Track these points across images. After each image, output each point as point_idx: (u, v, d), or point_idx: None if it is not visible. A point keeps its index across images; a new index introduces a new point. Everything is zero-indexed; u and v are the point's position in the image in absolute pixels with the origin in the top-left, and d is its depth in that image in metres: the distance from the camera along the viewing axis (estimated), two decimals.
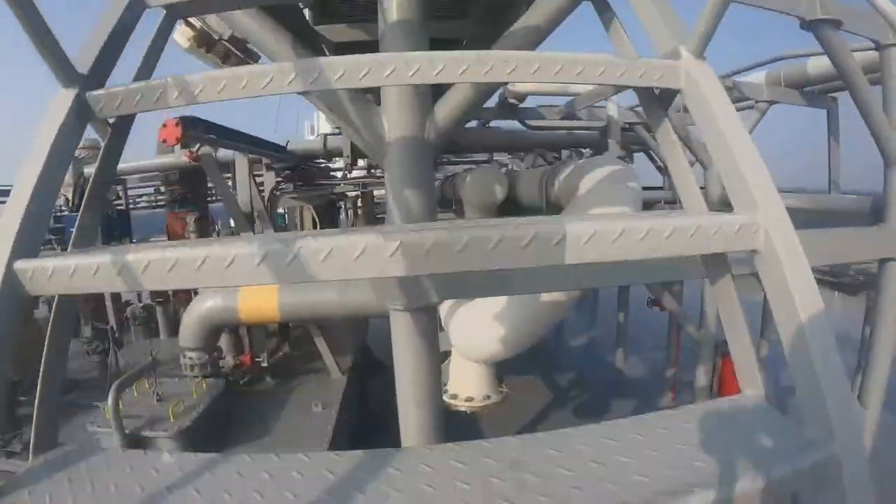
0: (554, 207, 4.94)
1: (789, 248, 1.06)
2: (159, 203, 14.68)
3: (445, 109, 2.42)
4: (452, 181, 8.03)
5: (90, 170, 9.66)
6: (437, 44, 3.78)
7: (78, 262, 0.99)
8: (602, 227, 0.96)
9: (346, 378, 7.41)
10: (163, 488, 1.04)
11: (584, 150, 9.01)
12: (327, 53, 4.75)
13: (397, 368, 2.77)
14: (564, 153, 9.71)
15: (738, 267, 1.23)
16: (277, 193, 8.43)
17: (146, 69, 1.62)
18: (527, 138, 8.26)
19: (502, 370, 5.45)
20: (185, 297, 10.33)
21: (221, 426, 6.29)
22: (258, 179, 8.57)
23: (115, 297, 10.87)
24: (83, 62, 1.30)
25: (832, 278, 5.81)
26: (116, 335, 8.78)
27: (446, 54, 1.12)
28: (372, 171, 11.26)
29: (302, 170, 8.93)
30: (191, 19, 3.38)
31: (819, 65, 5.26)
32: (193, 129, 4.67)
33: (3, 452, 7.01)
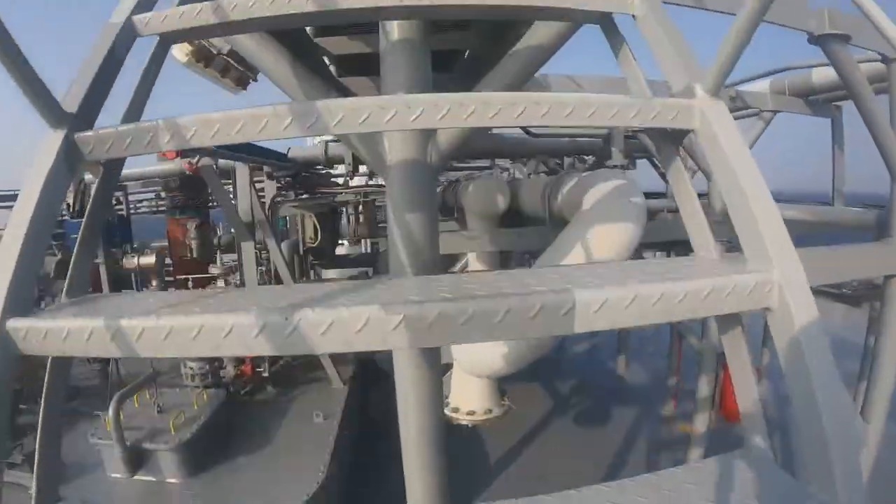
0: (557, 219, 4.88)
1: (803, 306, 1.01)
2: (160, 208, 14.67)
3: (448, 131, 2.37)
4: (454, 188, 7.98)
5: (90, 177, 9.66)
6: (438, 56, 3.75)
7: (71, 326, 0.96)
8: (613, 294, 0.91)
9: (347, 387, 7.36)
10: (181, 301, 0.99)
11: (586, 157, 8.95)
12: (328, 64, 4.72)
13: (399, 398, 2.72)
14: (567, 159, 9.66)
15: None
16: (279, 202, 8.39)
17: (140, 97, 1.57)
18: (529, 145, 8.21)
19: (504, 381, 5.40)
20: None
21: (222, 437, 6.25)
22: (258, 186, 8.54)
23: None
24: (71, 100, 1.25)
25: (835, 290, 5.75)
26: None
27: (451, 97, 1.06)
28: (373, 178, 11.20)
29: (303, 177, 8.88)
30: None
31: (824, 74, 5.21)
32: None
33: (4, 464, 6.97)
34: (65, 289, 1.30)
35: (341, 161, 8.02)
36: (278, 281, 7.75)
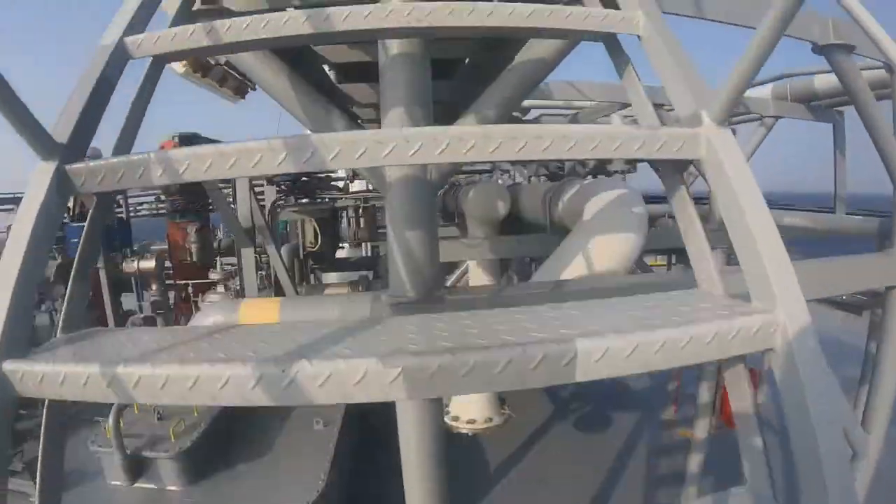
0: (558, 227, 4.85)
1: (807, 348, 1.00)
2: (160, 211, 14.66)
3: None
4: (454, 192, 7.95)
5: None
6: (437, 65, 3.71)
7: (67, 371, 0.94)
8: (614, 343, 0.88)
9: None
10: (179, 342, 1.00)
11: (587, 161, 8.90)
12: (327, 71, 4.69)
13: (399, 408, 2.69)
14: (567, 163, 9.61)
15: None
16: (279, 207, 8.36)
17: (135, 119, 1.54)
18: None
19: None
20: (186, 308, 10.28)
21: (222, 445, 6.22)
22: (258, 190, 8.50)
23: (117, 307, 10.84)
24: (62, 130, 1.23)
25: (835, 297, 5.70)
26: None
27: (450, 131, 1.03)
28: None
29: (303, 182, 8.85)
30: None
31: (826, 80, 5.17)
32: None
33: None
34: (60, 323, 1.28)
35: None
36: (278, 286, 7.72)
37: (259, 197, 9.25)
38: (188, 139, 4.53)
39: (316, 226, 8.57)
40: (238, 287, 7.79)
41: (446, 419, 5.05)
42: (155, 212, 15.42)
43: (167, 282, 10.76)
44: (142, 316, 11.21)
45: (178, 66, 3.24)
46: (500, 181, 18.03)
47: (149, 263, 9.87)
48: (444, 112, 4.98)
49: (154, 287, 10.15)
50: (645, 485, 7.67)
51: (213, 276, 8.70)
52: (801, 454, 0.99)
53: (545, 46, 2.40)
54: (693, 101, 1.20)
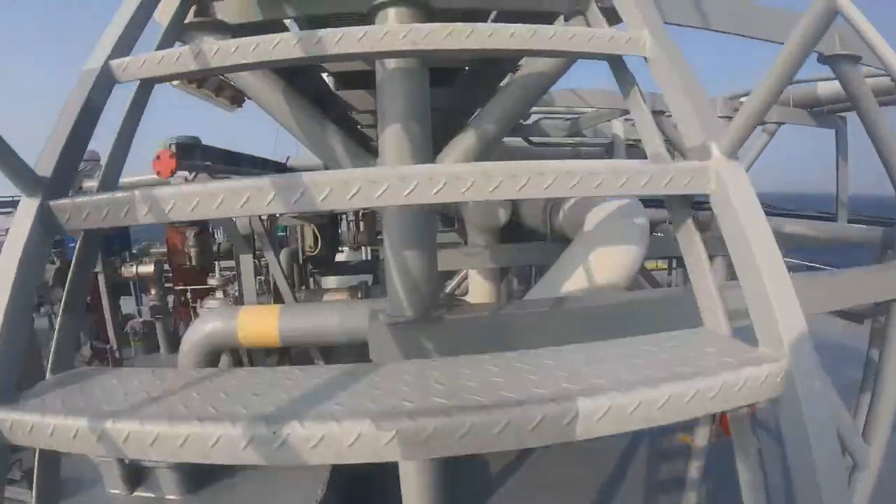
0: (558, 235, 4.80)
1: (816, 396, 0.95)
2: None
3: (449, 163, 2.28)
4: None
5: (90, 183, 9.59)
6: (437, 72, 3.66)
7: (56, 423, 0.93)
8: (618, 401, 0.84)
9: None
10: (168, 392, 1.01)
11: None
12: (328, 81, 4.64)
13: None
14: None
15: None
16: (278, 214, 8.32)
17: (122, 144, 1.49)
18: (530, 154, 8.13)
19: None
20: (185, 312, 10.24)
21: None
22: None
23: (116, 311, 10.80)
24: (45, 164, 1.18)
25: None
26: (116, 354, 8.69)
27: (448, 170, 0.98)
28: None
29: None
30: None
31: (829, 87, 5.12)
32: (189, 158, 4.55)
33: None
34: (50, 364, 1.23)
35: None
36: (277, 292, 7.68)
37: None
38: (186, 148, 4.48)
39: (315, 230, 8.53)
40: (237, 293, 7.76)
41: None
42: None
43: (166, 284, 10.73)
44: (141, 320, 11.17)
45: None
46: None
47: (147, 268, 9.83)
48: (444, 119, 4.93)
49: (153, 291, 10.11)
50: (645, 490, 7.62)
51: (212, 281, 8.66)
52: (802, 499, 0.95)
53: (547, 60, 2.34)
54: (702, 132, 1.15)
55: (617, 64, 1.59)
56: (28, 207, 1.11)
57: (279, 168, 7.71)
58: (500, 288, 7.02)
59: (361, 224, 10.69)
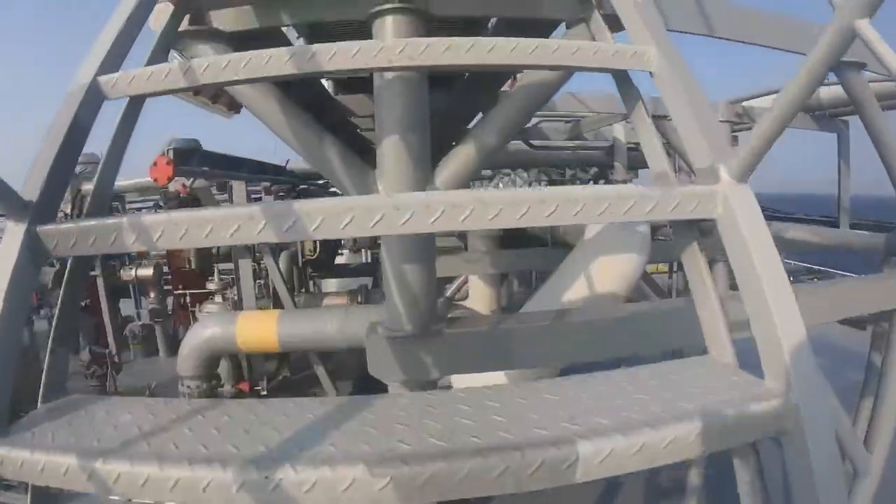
0: (558, 241, 4.77)
1: (822, 434, 0.92)
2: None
3: (448, 174, 2.26)
4: None
5: (89, 186, 9.58)
6: (436, 77, 3.62)
7: (47, 460, 0.92)
8: (620, 443, 0.81)
9: None
10: (159, 427, 1.00)
11: (588, 168, 8.84)
12: (327, 86, 4.60)
13: None
14: (569, 171, 9.54)
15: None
16: None
17: (112, 161, 1.46)
18: (531, 156, 8.09)
19: None
20: (184, 316, 10.21)
21: None
22: (254, 197, 8.37)
23: (115, 313, 10.77)
24: (32, 187, 1.14)
25: None
26: (115, 359, 8.66)
27: (445, 198, 0.95)
28: None
29: (302, 190, 8.76)
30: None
31: (831, 91, 5.07)
32: (186, 163, 4.51)
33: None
34: (41, 392, 1.20)
35: None
36: (276, 296, 7.65)
37: None
38: (183, 153, 4.44)
39: None
40: (236, 297, 7.73)
41: None
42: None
43: (166, 287, 10.70)
44: (140, 323, 11.15)
45: None
46: (500, 185, 17.96)
47: (147, 271, 9.80)
48: (443, 123, 4.89)
49: (153, 294, 10.08)
50: (644, 494, 7.58)
51: (211, 286, 8.62)
52: None
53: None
54: (710, 153, 1.11)
55: (621, 77, 1.55)
56: (14, 234, 1.08)
57: (279, 171, 7.68)
58: (501, 293, 6.98)
59: None
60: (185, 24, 2.23)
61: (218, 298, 8.15)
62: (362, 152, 6.36)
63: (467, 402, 0.98)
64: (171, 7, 1.82)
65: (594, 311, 2.63)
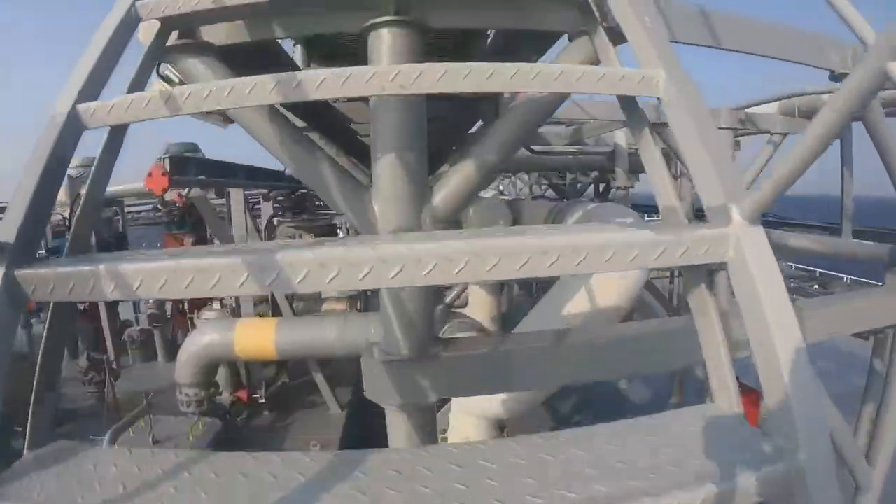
0: None
1: (829, 494, 0.86)
2: (159, 219, 14.55)
3: (445, 194, 2.19)
4: None
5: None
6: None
7: None
8: None
9: (345, 413, 7.19)
10: (145, 484, 0.98)
11: (589, 172, 8.77)
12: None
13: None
14: (569, 175, 9.46)
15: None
16: (276, 223, 8.22)
17: (94, 195, 1.40)
18: (532, 160, 8.02)
19: None
20: (182, 322, 10.16)
21: None
22: (253, 200, 8.32)
23: (114, 317, 10.72)
24: (9, 226, 1.09)
25: None
26: (113, 365, 8.60)
27: (439, 249, 0.88)
28: None
29: (301, 195, 8.69)
30: (169, 75, 3.15)
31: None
32: (182, 172, 4.46)
33: None
34: (27, 439, 1.17)
35: None
36: (275, 302, 7.59)
37: (255, 209, 9.11)
38: (179, 162, 4.38)
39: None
40: (234, 304, 7.67)
41: None
42: (154, 220, 15.31)
43: None
44: (139, 328, 11.10)
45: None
46: (500, 186, 17.87)
47: None
48: (443, 130, 4.83)
49: (151, 300, 10.02)
50: None
51: None
52: None
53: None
54: (722, 191, 1.04)
55: (628, 103, 1.49)
56: None
57: (277, 177, 7.61)
58: (501, 300, 6.92)
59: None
60: (173, 39, 2.17)
61: (216, 305, 8.09)
62: (362, 156, 6.29)
63: (461, 462, 0.92)
64: (157, 24, 1.76)
65: (594, 332, 2.57)
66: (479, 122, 4.84)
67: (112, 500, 0.94)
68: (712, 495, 0.82)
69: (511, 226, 6.12)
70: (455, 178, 2.18)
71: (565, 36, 2.42)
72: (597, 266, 0.93)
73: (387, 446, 2.62)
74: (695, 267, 1.12)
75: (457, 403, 4.73)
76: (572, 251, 0.91)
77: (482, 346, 2.30)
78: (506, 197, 13.85)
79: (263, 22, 2.33)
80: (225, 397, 7.25)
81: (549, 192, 13.79)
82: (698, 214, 1.18)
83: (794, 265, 14.45)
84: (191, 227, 9.38)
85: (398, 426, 2.43)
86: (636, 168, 7.39)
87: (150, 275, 0.94)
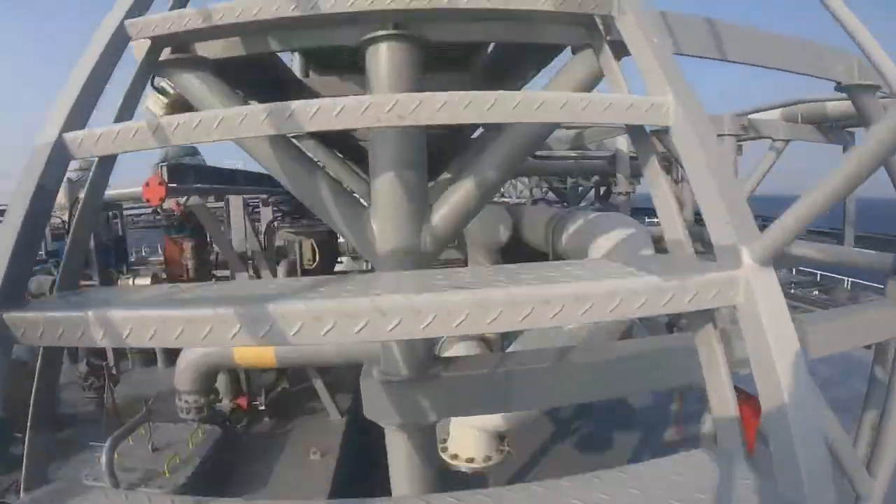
0: (561, 258, 4.67)
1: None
2: (158, 222, 14.51)
3: (445, 213, 2.15)
4: None
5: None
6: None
7: None
8: None
9: (345, 420, 7.15)
10: None
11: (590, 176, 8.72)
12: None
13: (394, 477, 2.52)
14: (570, 180, 9.42)
15: None
16: (275, 227, 8.17)
17: (82, 230, 1.37)
18: (532, 165, 7.98)
19: None
20: None
21: (218, 480, 6.05)
22: (252, 203, 8.28)
23: None
24: None
25: None
26: (113, 371, 8.56)
27: (438, 301, 0.85)
28: None
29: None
30: (164, 86, 3.12)
31: (838, 105, 4.97)
32: (180, 180, 4.41)
33: None
34: (22, 481, 1.13)
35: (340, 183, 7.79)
36: None
37: (255, 213, 9.06)
38: (177, 170, 4.34)
39: (314, 245, 8.39)
40: None
41: (444, 457, 4.87)
42: (153, 224, 15.28)
43: None
44: None
45: (157, 109, 3.05)
46: (500, 189, 17.82)
47: (144, 281, 9.69)
48: (444, 136, 4.78)
49: None
50: None
51: None
52: None
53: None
54: (732, 230, 1.01)
55: (637, 130, 1.45)
56: None
57: (277, 182, 7.55)
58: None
59: None
60: (166, 54, 2.13)
61: None
62: (360, 160, 6.21)
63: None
64: (147, 42, 1.72)
65: (595, 350, 2.54)
66: (480, 129, 4.81)
67: None
68: None
69: (511, 232, 6.08)
70: (455, 197, 2.14)
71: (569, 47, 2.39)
72: (602, 315, 0.89)
73: (385, 453, 2.59)
74: (706, 314, 1.08)
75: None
76: (577, 301, 0.88)
77: (482, 365, 2.26)
78: (506, 199, 13.80)
79: (259, 36, 2.29)
80: (225, 404, 7.21)
81: (550, 195, 13.76)
82: (699, 218, 1.15)
83: (794, 269, 14.39)
84: (190, 231, 9.33)
85: (398, 446, 2.40)
86: (637, 173, 7.35)
87: (140, 324, 0.90)
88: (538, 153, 7.17)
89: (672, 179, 7.02)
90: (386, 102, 1.21)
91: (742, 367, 1.13)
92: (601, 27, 1.75)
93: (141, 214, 15.83)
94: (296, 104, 1.20)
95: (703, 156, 1.11)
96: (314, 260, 8.56)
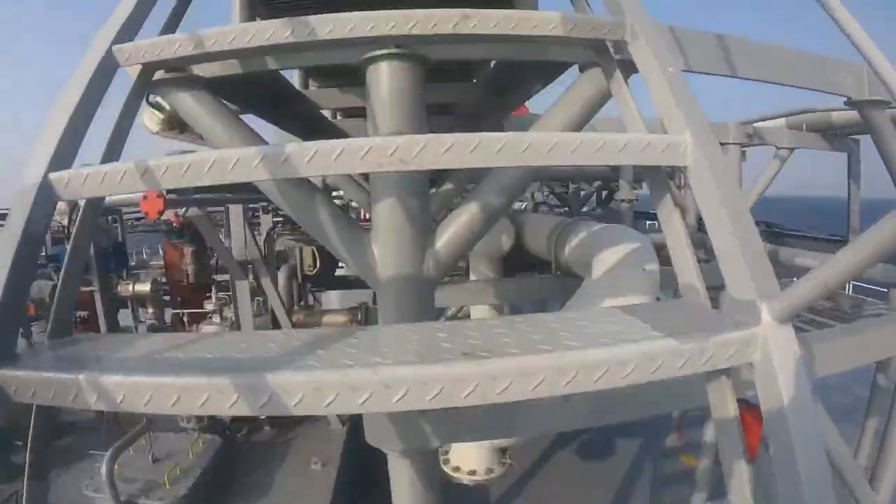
0: (563, 270, 4.63)
1: None
2: (158, 226, 14.48)
3: (448, 238, 2.11)
4: None
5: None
6: (433, 108, 3.41)
7: None
8: None
9: (346, 429, 7.11)
10: None
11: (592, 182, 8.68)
12: (327, 114, 4.46)
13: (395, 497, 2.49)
14: (572, 186, 9.37)
15: None
16: (275, 235, 8.13)
17: (73, 271, 1.33)
18: (533, 171, 7.92)
19: None
20: (182, 330, 10.09)
21: (218, 491, 6.02)
22: (252, 207, 8.22)
23: (114, 325, 10.65)
24: None
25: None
26: None
27: (445, 372, 0.81)
28: None
29: None
30: (160, 102, 3.06)
31: (843, 114, 4.92)
32: (178, 192, 4.37)
33: None
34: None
35: (337, 189, 7.77)
36: (274, 317, 7.52)
37: (255, 217, 9.02)
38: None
39: (315, 251, 8.36)
40: (234, 318, 7.60)
41: (446, 469, 4.85)
42: (153, 228, 15.24)
43: (164, 297, 10.55)
44: None
45: (153, 125, 3.01)
46: (506, 212, 17.61)
47: (144, 286, 9.67)
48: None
49: (151, 310, 9.96)
50: None
51: (209, 305, 8.49)
52: None
53: (561, 120, 2.15)
54: (752, 284, 0.96)
55: (651, 168, 1.40)
56: None
57: None
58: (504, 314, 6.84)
59: None
60: (160, 74, 2.09)
61: (216, 318, 8.02)
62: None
63: None
64: (138, 66, 1.66)
65: None
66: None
67: None
68: None
69: (514, 241, 6.02)
70: (459, 221, 2.10)
71: (576, 68, 2.35)
72: (615, 381, 0.86)
73: (386, 463, 2.56)
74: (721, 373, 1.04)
75: None
76: (589, 368, 0.84)
77: None
78: None
79: (256, 58, 2.25)
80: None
81: (551, 198, 13.69)
82: (701, 224, 1.10)
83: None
84: (190, 237, 9.32)
85: (400, 472, 2.36)
86: (640, 178, 7.30)
87: (133, 390, 0.87)
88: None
89: (675, 185, 6.98)
90: (388, 146, 1.16)
91: (749, 389, 1.10)
92: (611, 48, 1.71)
93: (141, 218, 15.79)
94: (291, 147, 1.15)
95: (723, 204, 1.07)
96: (315, 266, 8.53)
